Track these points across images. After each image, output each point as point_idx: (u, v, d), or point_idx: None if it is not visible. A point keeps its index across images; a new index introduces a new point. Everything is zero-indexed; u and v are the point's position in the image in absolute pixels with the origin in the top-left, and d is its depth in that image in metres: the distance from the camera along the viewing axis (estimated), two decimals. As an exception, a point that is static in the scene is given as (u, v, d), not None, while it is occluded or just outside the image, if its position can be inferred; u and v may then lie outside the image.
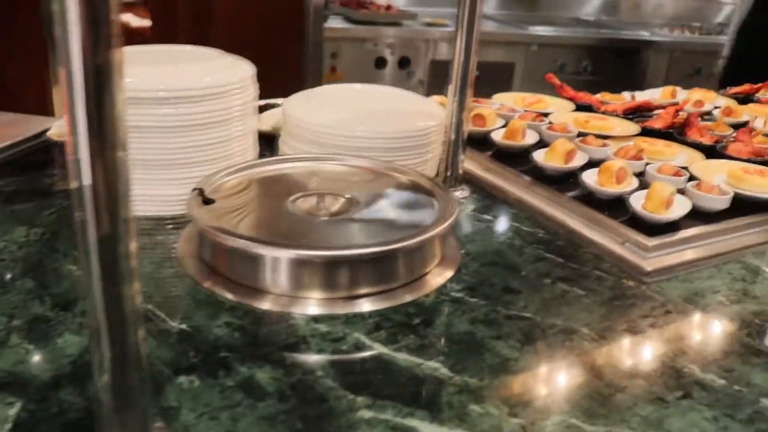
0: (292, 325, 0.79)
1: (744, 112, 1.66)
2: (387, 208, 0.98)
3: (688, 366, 0.75)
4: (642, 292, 0.90)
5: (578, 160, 1.22)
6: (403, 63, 3.24)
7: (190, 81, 1.02)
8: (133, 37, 2.82)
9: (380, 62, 3.22)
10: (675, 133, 1.44)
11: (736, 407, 0.69)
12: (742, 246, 1.04)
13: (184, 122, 1.02)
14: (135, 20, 2.88)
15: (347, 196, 0.98)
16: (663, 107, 1.55)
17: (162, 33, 2.64)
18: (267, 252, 0.82)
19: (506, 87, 3.29)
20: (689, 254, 0.99)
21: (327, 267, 0.83)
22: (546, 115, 1.50)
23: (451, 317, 0.81)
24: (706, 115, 1.67)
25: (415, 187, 1.02)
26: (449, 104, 1.12)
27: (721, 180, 1.21)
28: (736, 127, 1.54)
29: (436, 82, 3.26)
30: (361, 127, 1.13)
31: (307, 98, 1.22)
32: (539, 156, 1.22)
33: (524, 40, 3.29)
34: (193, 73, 1.05)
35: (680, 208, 1.05)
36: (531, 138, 1.34)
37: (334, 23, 3.17)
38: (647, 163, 1.22)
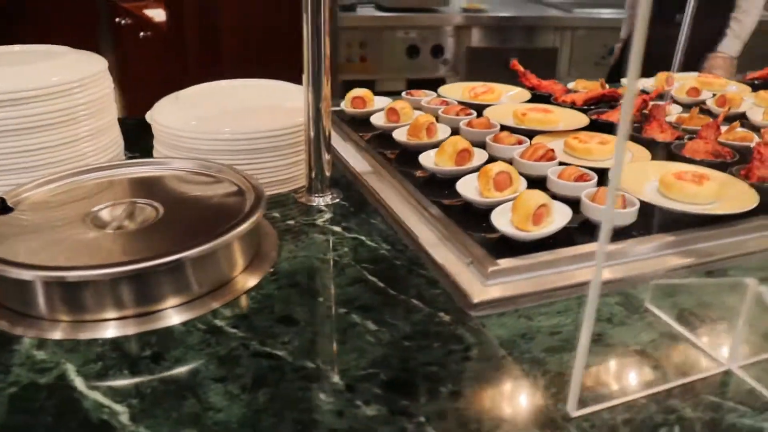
0: (13, 351, 0.69)
1: (743, 101, 1.36)
2: (189, 216, 0.86)
3: (438, 437, 0.57)
4: (451, 330, 0.71)
5: (476, 161, 1.03)
6: (437, 51, 3.06)
7: (24, 81, 0.94)
8: (154, 30, 2.86)
9: (413, 51, 3.06)
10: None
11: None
12: (632, 274, 0.81)
13: (20, 125, 0.95)
14: (158, 15, 2.91)
15: (154, 204, 0.87)
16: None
17: (172, 25, 2.65)
18: (14, 273, 0.73)
19: (549, 74, 3.01)
20: (544, 282, 0.78)
21: (74, 287, 0.72)
22: (482, 108, 1.31)
23: (187, 351, 0.68)
24: (703, 105, 1.39)
25: (233, 193, 0.89)
26: (304, 97, 0.97)
27: (651, 187, 0.97)
28: (730, 119, 1.26)
29: (473, 69, 3.05)
30: (226, 129, 1.01)
31: (175, 100, 1.11)
32: (427, 158, 1.04)
33: (570, 24, 3.00)
34: (28, 73, 0.97)
35: (560, 221, 0.85)
36: (442, 135, 1.16)
37: (364, 11, 3.04)
38: (562, 164, 1.01)
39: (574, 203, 0.89)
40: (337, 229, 0.94)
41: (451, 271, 0.80)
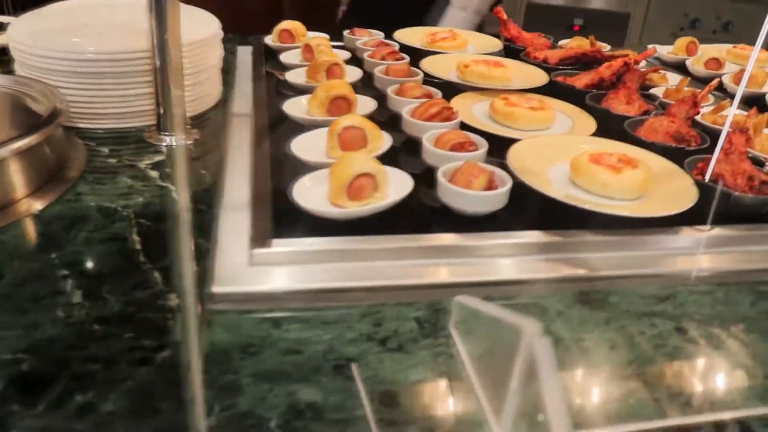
0: None
1: (768, 81, 1.05)
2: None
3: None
4: (165, 320, 0.53)
5: (359, 111, 0.82)
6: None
7: None
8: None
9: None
10: (588, 97, 0.93)
11: None
12: (445, 282, 0.59)
13: None
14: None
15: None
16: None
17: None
18: None
19: (618, 41, 2.63)
20: (323, 278, 0.58)
21: None
22: (421, 55, 1.07)
23: None
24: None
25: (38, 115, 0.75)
26: (148, 23, 0.79)
27: (562, 169, 0.73)
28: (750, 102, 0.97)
29: (531, 29, 2.72)
30: (81, 49, 0.85)
31: (38, 16, 0.95)
32: (293, 106, 0.85)
33: (648, -13, 2.60)
34: None
35: (392, 199, 0.63)
36: (350, 80, 0.95)
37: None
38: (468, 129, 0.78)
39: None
40: (154, 174, 0.77)
41: (224, 246, 0.61)
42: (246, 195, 0.69)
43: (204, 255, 0.61)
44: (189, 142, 0.86)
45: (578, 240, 0.63)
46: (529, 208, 0.68)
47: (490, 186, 0.64)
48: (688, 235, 0.65)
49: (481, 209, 0.64)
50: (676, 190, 0.69)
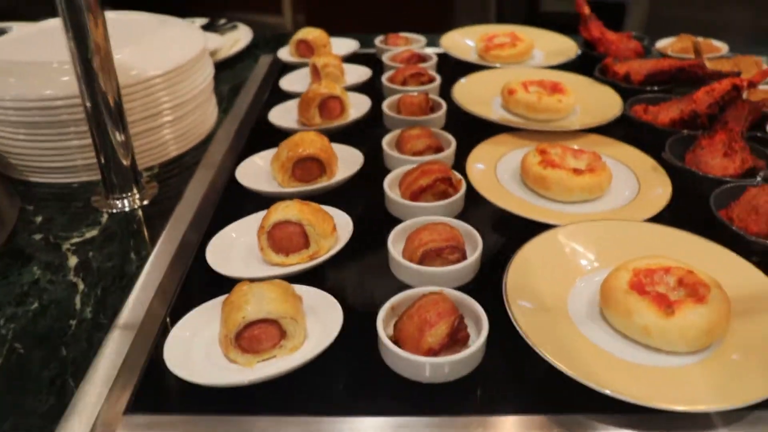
0: None
1: None
2: None
3: None
4: None
5: (338, 178, 0.62)
6: None
7: None
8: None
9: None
10: (669, 144, 0.64)
11: None
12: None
13: None
14: None
15: None
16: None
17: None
18: None
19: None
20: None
21: None
22: (469, 70, 0.83)
23: None
24: None
25: None
26: (68, 48, 0.63)
27: (588, 292, 0.49)
28: None
29: None
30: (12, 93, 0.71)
31: None
32: (248, 168, 0.66)
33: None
34: None
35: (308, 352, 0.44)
36: (356, 115, 0.74)
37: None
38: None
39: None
40: (72, 261, 0.62)
41: (76, 411, 0.45)
42: (139, 317, 0.52)
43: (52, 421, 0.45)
44: (145, 202, 0.70)
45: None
46: (515, 374, 0.45)
47: (456, 336, 0.42)
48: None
49: (434, 379, 0.42)
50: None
